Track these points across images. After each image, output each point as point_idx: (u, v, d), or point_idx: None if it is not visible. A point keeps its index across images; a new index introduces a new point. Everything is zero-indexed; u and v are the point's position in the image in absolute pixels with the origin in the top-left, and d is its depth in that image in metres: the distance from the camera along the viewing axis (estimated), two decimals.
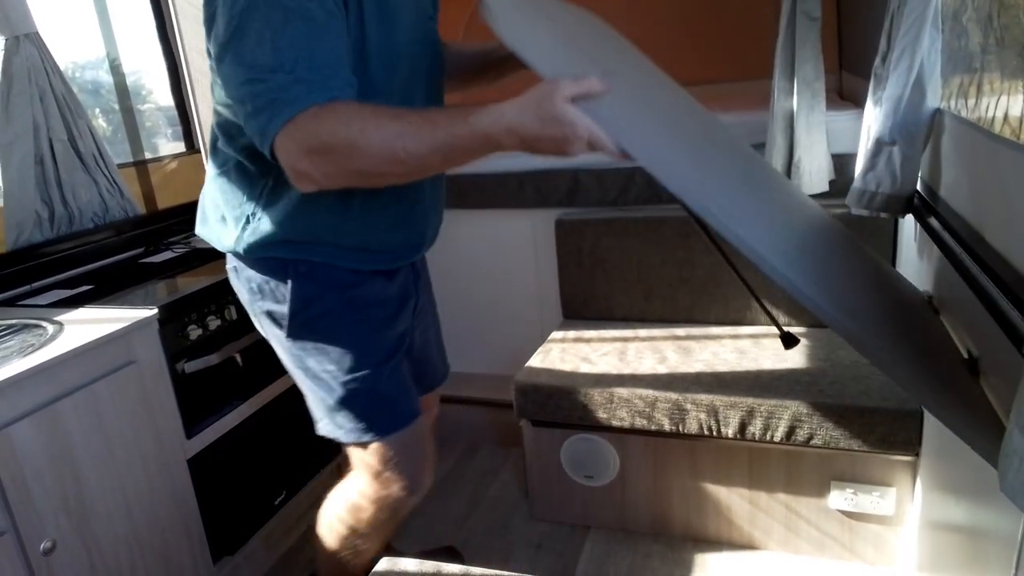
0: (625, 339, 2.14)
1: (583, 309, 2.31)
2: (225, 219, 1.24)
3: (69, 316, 1.58)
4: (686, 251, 2.13)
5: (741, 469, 1.81)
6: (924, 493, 1.58)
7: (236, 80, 0.99)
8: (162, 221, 2.28)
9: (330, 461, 2.16)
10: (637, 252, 2.19)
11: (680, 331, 2.16)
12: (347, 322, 1.25)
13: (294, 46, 0.95)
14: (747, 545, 1.88)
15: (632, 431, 1.86)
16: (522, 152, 0.95)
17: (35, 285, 1.86)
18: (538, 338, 2.23)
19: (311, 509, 2.09)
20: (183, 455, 1.65)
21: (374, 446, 1.31)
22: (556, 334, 2.23)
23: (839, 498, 1.72)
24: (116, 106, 2.43)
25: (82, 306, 1.66)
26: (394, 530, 1.56)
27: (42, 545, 1.31)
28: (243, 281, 1.27)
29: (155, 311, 1.57)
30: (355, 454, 1.35)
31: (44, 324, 1.53)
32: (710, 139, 1.31)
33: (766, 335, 2.06)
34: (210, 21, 1.02)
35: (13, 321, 1.58)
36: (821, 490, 1.74)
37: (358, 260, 1.23)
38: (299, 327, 1.24)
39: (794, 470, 1.76)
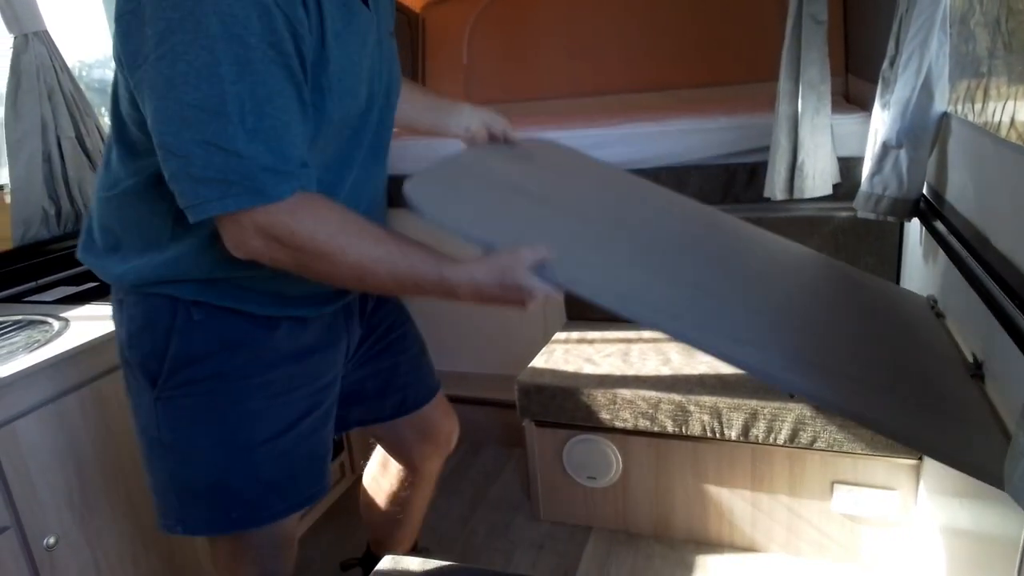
0: (628, 340, 2.13)
1: (587, 310, 2.31)
2: (118, 247, 1.03)
3: (75, 313, 1.59)
4: None
5: (744, 471, 1.81)
6: (927, 496, 1.58)
7: (177, 125, 0.82)
8: None
9: (336, 455, 2.16)
10: None
11: None
12: (239, 388, 1.04)
13: (255, 98, 0.82)
14: (749, 547, 1.87)
15: (635, 432, 1.86)
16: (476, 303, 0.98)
17: (41, 282, 1.87)
18: (541, 338, 2.23)
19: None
20: None
21: (233, 539, 1.14)
22: (560, 335, 2.23)
23: (842, 501, 1.72)
24: None
25: (88, 303, 1.66)
26: None
27: (45, 541, 1.31)
28: (124, 319, 1.05)
29: None
30: (210, 544, 1.20)
31: (50, 320, 1.54)
32: (680, 236, 1.33)
33: None
34: (130, 23, 0.84)
35: (19, 317, 1.58)
36: (824, 493, 1.74)
37: (272, 305, 1.05)
38: (175, 388, 1.03)
39: (797, 472, 1.75)
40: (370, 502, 1.57)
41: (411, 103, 1.32)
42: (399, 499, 1.52)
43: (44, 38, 1.92)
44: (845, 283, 1.44)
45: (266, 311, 1.05)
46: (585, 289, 0.94)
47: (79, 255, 1.10)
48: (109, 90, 0.97)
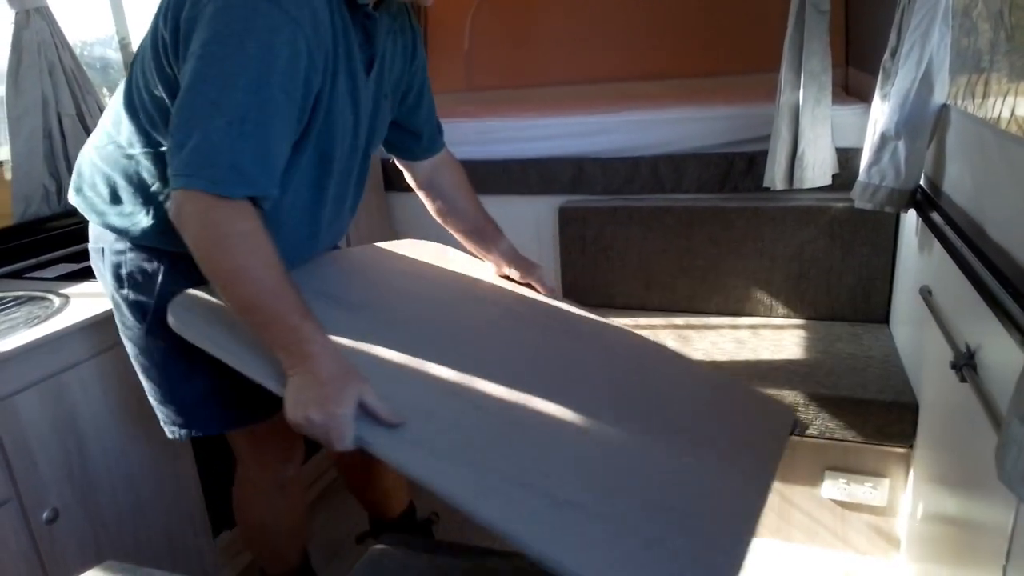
0: (625, 327, 2.14)
1: (584, 297, 2.32)
2: (120, 198, 1.18)
3: (75, 289, 1.59)
4: (688, 240, 2.14)
5: None
6: (917, 484, 1.60)
7: (190, 112, 0.97)
8: None
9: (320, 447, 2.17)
10: (639, 241, 2.20)
11: (679, 320, 2.17)
12: None
13: (259, 111, 0.97)
14: None
15: None
16: (295, 403, 0.98)
17: (42, 258, 1.87)
18: None
19: (314, 483, 2.11)
20: None
21: (247, 436, 1.34)
22: None
23: (832, 488, 1.74)
24: None
25: (88, 280, 1.67)
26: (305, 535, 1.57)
27: (44, 514, 1.33)
28: (110, 266, 1.22)
29: None
30: (232, 443, 1.40)
31: (50, 297, 1.54)
32: (520, 357, 1.27)
33: (764, 326, 2.08)
34: (191, 27, 0.99)
35: (20, 293, 1.59)
36: (815, 479, 1.76)
37: None
38: (161, 321, 1.16)
39: (789, 459, 1.77)
40: (350, 478, 1.67)
41: (460, 217, 1.51)
42: (370, 463, 1.58)
43: (45, 14, 1.92)
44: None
45: None
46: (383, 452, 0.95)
47: (71, 198, 1.25)
48: (110, 70, 1.02)
